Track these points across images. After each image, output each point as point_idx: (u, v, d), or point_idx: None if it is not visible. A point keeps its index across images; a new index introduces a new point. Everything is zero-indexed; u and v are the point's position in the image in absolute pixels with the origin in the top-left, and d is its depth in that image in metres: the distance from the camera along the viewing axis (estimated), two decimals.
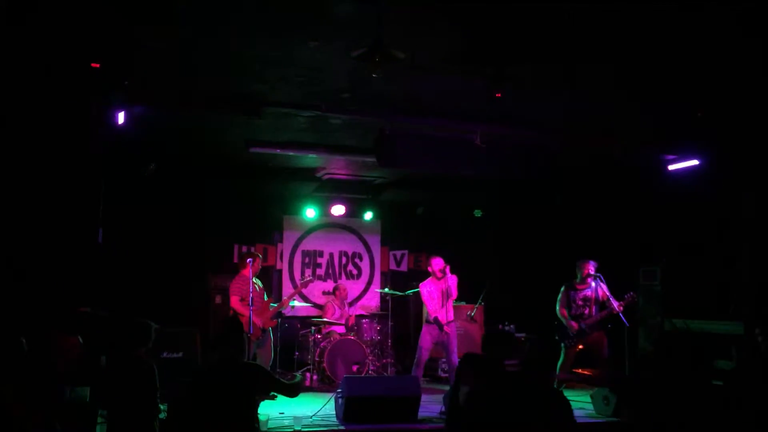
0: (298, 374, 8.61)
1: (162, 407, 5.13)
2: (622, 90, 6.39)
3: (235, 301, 8.24)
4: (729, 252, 8.60)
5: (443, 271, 8.56)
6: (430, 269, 8.83)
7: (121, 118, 6.36)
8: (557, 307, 8.44)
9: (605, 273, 8.29)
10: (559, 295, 8.46)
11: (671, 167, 8.46)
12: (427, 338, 8.57)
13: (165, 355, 7.86)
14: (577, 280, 8.40)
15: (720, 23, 4.87)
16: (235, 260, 10.53)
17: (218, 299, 9.90)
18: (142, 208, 9.53)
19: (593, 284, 8.31)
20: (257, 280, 8.39)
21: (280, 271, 11.13)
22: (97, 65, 5.43)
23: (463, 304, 10.01)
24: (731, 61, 5.56)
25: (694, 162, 8.21)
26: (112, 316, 6.06)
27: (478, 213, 10.99)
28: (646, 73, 5.94)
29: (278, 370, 9.30)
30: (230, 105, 6.79)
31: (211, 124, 7.73)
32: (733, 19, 4.80)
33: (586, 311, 8.29)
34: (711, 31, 5.01)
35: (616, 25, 4.91)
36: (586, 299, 8.32)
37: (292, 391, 5.15)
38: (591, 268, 8.31)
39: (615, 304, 8.05)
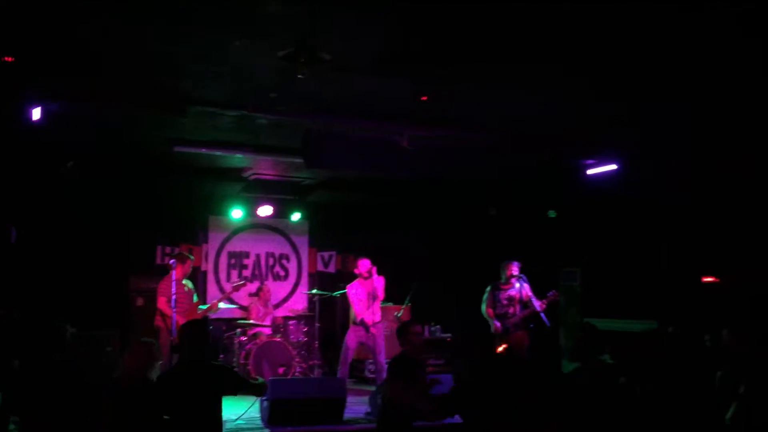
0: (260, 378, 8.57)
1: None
2: (545, 93, 6.54)
3: (162, 303, 8.06)
4: (645, 253, 8.96)
5: (369, 272, 8.64)
6: (356, 271, 8.88)
7: (36, 114, 6.11)
8: (483, 307, 8.60)
9: (528, 273, 8.50)
10: (485, 295, 8.62)
11: (590, 171, 8.72)
12: (352, 338, 8.62)
13: (82, 358, 7.62)
14: (502, 281, 8.58)
15: (640, 30, 5.05)
16: (158, 261, 10.32)
17: (140, 301, 9.65)
18: (61, 208, 9.19)
19: (517, 285, 8.50)
20: (188, 281, 8.23)
21: (205, 272, 10.93)
22: (10, 59, 5.21)
23: (390, 304, 10.07)
24: (650, 67, 5.77)
25: (613, 167, 8.49)
26: (25, 318, 5.84)
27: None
28: (569, 77, 6.10)
29: None
30: (153, 102, 6.62)
31: (134, 121, 7.52)
32: (651, 28, 4.99)
33: (510, 310, 8.48)
34: (631, 37, 5.19)
35: (540, 28, 5.02)
36: (510, 299, 8.50)
37: (259, 390, 5.15)
38: (514, 269, 8.50)
39: (537, 303, 8.26)
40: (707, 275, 9.04)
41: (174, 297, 7.77)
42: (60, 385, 4.78)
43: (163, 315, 7.99)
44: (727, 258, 8.54)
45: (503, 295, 8.53)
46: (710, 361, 6.08)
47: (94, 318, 8.40)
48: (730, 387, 5.77)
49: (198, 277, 10.85)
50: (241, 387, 4.93)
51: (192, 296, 8.41)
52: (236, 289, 9.20)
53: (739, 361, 5.90)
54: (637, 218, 9.13)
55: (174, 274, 8.00)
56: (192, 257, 8.60)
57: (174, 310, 7.75)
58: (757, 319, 6.51)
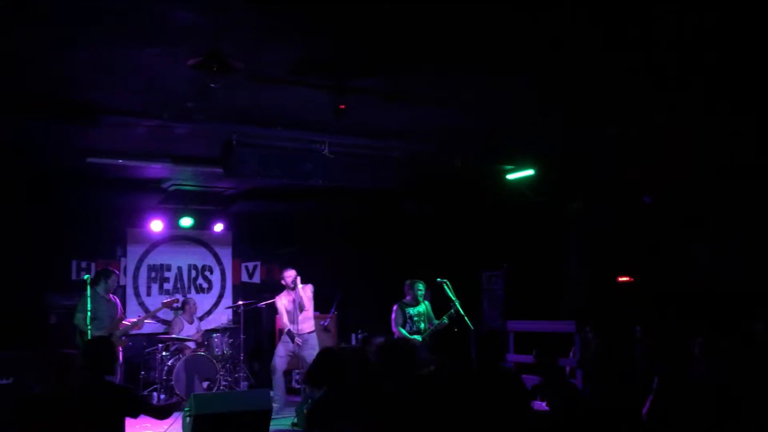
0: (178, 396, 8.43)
1: None
2: (468, 102, 6.65)
3: (80, 320, 7.78)
4: (561, 257, 9.23)
5: (295, 282, 8.59)
6: (283, 281, 8.81)
7: None
8: (393, 325, 8.48)
9: (451, 278, 8.58)
10: (393, 314, 8.51)
11: (509, 176, 8.91)
12: (281, 349, 8.59)
13: None
14: (411, 299, 8.52)
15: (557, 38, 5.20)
16: (74, 277, 9.96)
17: (53, 319, 9.28)
18: None
19: (424, 304, 8.53)
20: (103, 297, 7.96)
21: (124, 287, 10.60)
22: None
23: (317, 314, 10.01)
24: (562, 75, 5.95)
25: (530, 172, 8.70)
26: None
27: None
28: (486, 87, 6.23)
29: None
30: (63, 113, 6.39)
31: (43, 131, 7.24)
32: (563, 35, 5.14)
33: (421, 326, 8.43)
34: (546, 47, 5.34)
35: (454, 38, 5.10)
36: (419, 314, 8.49)
37: (161, 413, 4.99)
38: (419, 291, 8.47)
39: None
40: (622, 275, 9.38)
41: (98, 314, 7.55)
42: None
43: (82, 334, 7.72)
44: (640, 258, 8.88)
45: (413, 312, 8.47)
46: (631, 357, 6.30)
47: (6, 337, 8.03)
48: (646, 382, 6.00)
49: (117, 292, 10.53)
50: (143, 409, 4.81)
51: (116, 312, 8.13)
52: (168, 305, 8.95)
53: (652, 357, 6.14)
54: (554, 222, 9.38)
55: (98, 290, 7.80)
56: (116, 272, 8.32)
57: (100, 327, 7.54)
58: (666, 315, 6.80)
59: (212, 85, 4.61)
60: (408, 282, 8.56)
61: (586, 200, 9.02)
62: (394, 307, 8.48)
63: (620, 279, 9.33)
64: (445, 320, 8.23)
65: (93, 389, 4.48)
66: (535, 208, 9.35)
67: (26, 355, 7.79)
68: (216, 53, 4.43)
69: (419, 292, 8.46)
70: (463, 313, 8.27)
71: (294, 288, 8.63)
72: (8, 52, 5.18)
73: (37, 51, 5.19)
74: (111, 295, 8.03)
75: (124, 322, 8.23)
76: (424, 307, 8.51)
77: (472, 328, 8.37)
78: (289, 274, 8.72)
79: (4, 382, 7.40)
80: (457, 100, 6.51)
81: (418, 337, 8.21)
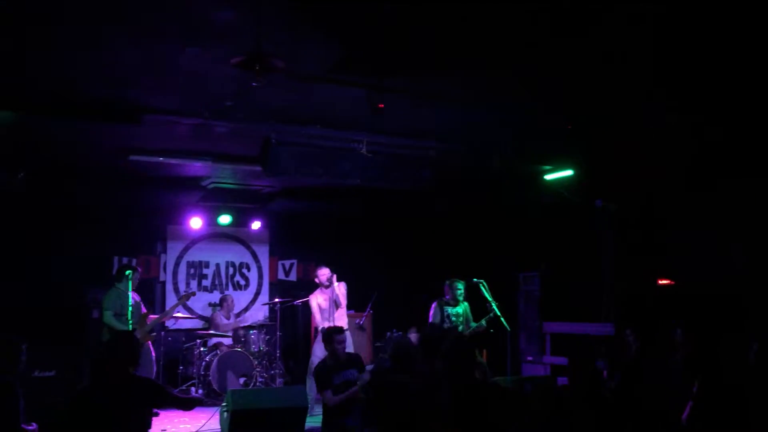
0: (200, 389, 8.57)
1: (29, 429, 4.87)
2: (503, 102, 6.62)
3: (109, 317, 7.91)
4: (599, 257, 9.11)
5: (330, 280, 8.60)
6: (317, 280, 8.84)
7: None
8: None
9: (488, 279, 8.54)
10: (431, 311, 8.54)
11: (547, 177, 8.84)
12: (317, 349, 8.57)
13: (36, 373, 7.45)
14: (450, 297, 8.51)
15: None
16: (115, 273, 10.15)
17: (96, 314, 9.46)
18: (12, 219, 9.00)
19: (464, 305, 8.50)
20: (131, 293, 8.07)
21: (164, 283, 10.78)
22: None
23: (351, 312, 10.05)
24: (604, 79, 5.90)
25: (569, 172, 8.62)
26: None
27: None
28: (524, 87, 6.20)
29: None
30: (107, 111, 6.52)
31: (88, 130, 7.40)
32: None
33: (459, 328, 8.42)
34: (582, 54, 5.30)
35: (496, 39, 5.09)
36: (457, 315, 8.48)
37: (186, 404, 5.06)
38: (459, 291, 8.45)
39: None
40: (662, 278, 9.22)
41: (131, 309, 7.66)
42: (5, 404, 4.67)
43: (112, 330, 7.86)
44: (681, 261, 8.72)
45: (452, 311, 8.47)
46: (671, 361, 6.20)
47: (50, 331, 8.22)
48: (686, 386, 5.91)
49: (156, 288, 10.72)
50: (167, 400, 4.87)
51: (139, 308, 8.26)
52: (186, 298, 9.09)
53: (692, 361, 6.03)
54: (592, 222, 9.27)
55: (124, 285, 7.91)
56: (139, 269, 8.42)
57: (130, 322, 7.65)
58: (708, 320, 6.67)
59: (254, 84, 4.65)
60: (448, 282, 8.55)
61: (624, 200, 8.89)
62: (433, 305, 8.50)
63: (660, 281, 9.18)
64: (483, 323, 8.20)
65: (117, 382, 4.55)
66: (573, 208, 9.26)
67: (68, 348, 7.97)
68: (258, 52, 4.47)
69: (458, 292, 8.43)
70: (499, 314, 8.23)
71: (329, 286, 8.65)
72: (53, 53, 5.31)
73: (82, 51, 5.31)
74: (132, 293, 8.10)
75: (150, 316, 8.37)
76: (462, 308, 8.49)
77: (509, 329, 8.33)
78: (324, 272, 8.74)
79: (47, 374, 7.58)
80: (496, 99, 6.49)
81: None
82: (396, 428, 4.85)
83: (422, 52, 5.31)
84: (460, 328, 8.33)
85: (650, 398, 5.94)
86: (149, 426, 4.65)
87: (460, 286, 8.46)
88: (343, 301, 8.80)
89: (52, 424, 5.85)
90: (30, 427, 4.99)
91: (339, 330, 6.70)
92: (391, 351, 5.69)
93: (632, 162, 7.92)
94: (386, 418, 4.95)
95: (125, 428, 4.41)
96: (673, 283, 9.12)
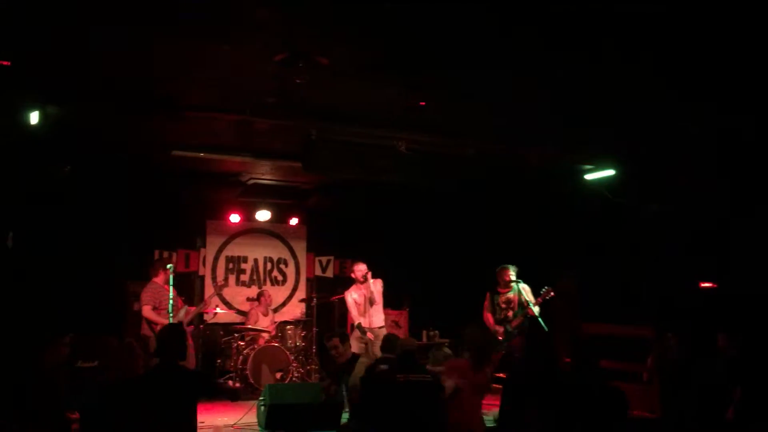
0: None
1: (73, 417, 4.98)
2: (544, 101, 6.57)
3: (147, 311, 8.01)
4: (638, 259, 8.97)
5: (365, 277, 8.60)
6: (353, 275, 8.87)
7: (34, 117, 6.13)
8: (484, 314, 8.55)
9: (525, 278, 8.48)
10: (485, 301, 8.58)
11: (588, 176, 8.74)
12: (353, 345, 8.57)
13: (80, 363, 7.61)
14: (500, 285, 8.53)
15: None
16: None
17: (137, 306, 9.61)
18: (57, 212, 9.18)
19: (515, 287, 8.46)
20: (170, 286, 8.17)
21: (203, 277, 10.91)
22: (8, 63, 5.21)
23: (387, 309, 10.05)
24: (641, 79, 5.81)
25: (610, 171, 8.50)
26: (21, 321, 5.84)
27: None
28: (567, 85, 6.13)
29: None
30: (151, 107, 6.63)
31: (131, 125, 7.53)
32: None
33: (510, 314, 8.44)
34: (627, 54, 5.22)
35: (535, 39, 5.04)
36: (508, 302, 8.46)
37: (232, 394, 5.14)
38: (510, 274, 8.45)
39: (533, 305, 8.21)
40: (705, 280, 9.05)
41: (171, 302, 7.77)
42: (50, 391, 4.78)
43: (150, 323, 7.97)
44: (724, 263, 8.55)
45: (501, 299, 8.50)
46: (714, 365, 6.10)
47: (92, 322, 8.37)
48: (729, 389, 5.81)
49: (195, 281, 10.86)
50: (215, 390, 4.95)
51: (177, 301, 8.36)
52: (219, 289, 9.18)
53: (736, 365, 5.92)
54: (634, 223, 9.13)
55: (160, 279, 8.02)
56: (169, 265, 8.51)
57: (165, 316, 7.77)
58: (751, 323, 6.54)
59: (297, 81, 4.69)
60: (497, 268, 8.53)
61: (667, 201, 8.73)
62: (487, 294, 8.51)
63: (702, 284, 9.01)
64: (524, 323, 8.18)
65: (166, 374, 4.62)
66: (613, 209, 9.13)
67: (110, 339, 8.11)
68: (302, 49, 4.50)
69: (506, 278, 8.39)
70: (538, 315, 8.17)
71: (364, 282, 8.67)
72: (100, 50, 5.40)
73: (126, 47, 5.40)
74: (166, 286, 8.19)
75: (188, 308, 8.47)
76: (513, 292, 8.42)
77: (547, 329, 8.25)
78: (360, 268, 8.75)
79: (90, 365, 7.73)
80: (536, 97, 6.43)
81: (505, 326, 8.20)
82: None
83: (462, 49, 5.29)
84: (513, 314, 8.31)
85: (692, 402, 5.85)
86: (195, 416, 4.72)
87: (506, 271, 8.41)
88: (379, 298, 8.81)
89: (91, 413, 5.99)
90: (74, 416, 5.11)
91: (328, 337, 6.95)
92: (398, 351, 5.75)
93: (679, 162, 7.79)
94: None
95: (171, 419, 4.48)
96: (715, 286, 8.95)
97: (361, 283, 8.70)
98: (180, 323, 7.63)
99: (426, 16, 4.55)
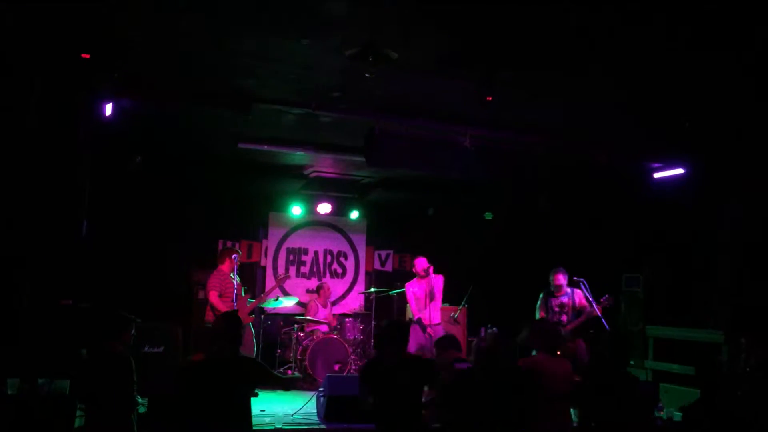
0: (297, 372, 8.70)
1: (141, 401, 5.11)
2: (613, 98, 6.43)
3: (214, 297, 8.16)
4: (710, 261, 8.68)
5: (426, 271, 8.55)
6: (414, 269, 8.83)
7: (108, 110, 6.30)
8: (536, 314, 8.41)
9: (589, 278, 8.29)
10: (538, 302, 8.42)
11: (656, 175, 8.51)
12: (411, 339, 8.53)
13: (146, 349, 7.80)
14: (553, 288, 8.33)
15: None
16: None
17: (201, 294, 9.82)
18: (127, 201, 9.43)
19: (569, 291, 8.28)
20: (235, 275, 8.30)
21: (264, 267, 11.08)
22: (87, 56, 5.38)
23: (446, 305, 10.00)
24: (719, 76, 5.62)
25: (680, 171, 8.26)
26: (93, 308, 6.01)
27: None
28: (637, 83, 5.98)
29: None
30: (219, 100, 6.75)
31: (199, 118, 7.68)
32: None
33: (564, 318, 8.24)
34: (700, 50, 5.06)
35: (606, 36, 4.93)
36: (562, 306, 8.27)
37: (287, 384, 5.19)
38: (561, 278, 8.24)
39: (596, 308, 8.03)
40: None
41: (235, 291, 7.90)
42: (122, 374, 4.91)
43: (215, 309, 8.10)
44: None
45: (555, 303, 8.30)
46: None
47: (158, 309, 8.57)
48: None
49: (257, 272, 11.03)
50: (270, 379, 4.99)
51: (241, 290, 8.49)
52: (281, 281, 9.26)
53: None
54: (701, 224, 8.83)
55: (226, 267, 8.13)
56: (239, 252, 8.60)
57: (234, 304, 7.88)
58: None
59: (366, 75, 4.69)
60: (552, 270, 8.36)
61: (740, 201, 8.42)
62: (540, 294, 8.37)
63: None
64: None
65: (225, 360, 4.70)
66: (682, 208, 8.86)
67: (175, 326, 8.30)
68: (372, 43, 4.50)
69: (556, 281, 8.20)
70: (600, 314, 7.99)
71: (425, 276, 8.62)
72: (171, 42, 5.51)
73: (198, 41, 5.50)
74: (234, 274, 8.28)
75: (249, 300, 8.58)
76: (567, 296, 8.25)
77: (608, 329, 8.07)
78: (420, 262, 8.70)
79: (156, 350, 7.92)
80: (606, 96, 6.30)
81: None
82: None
83: (531, 46, 5.21)
84: (566, 318, 8.12)
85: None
86: (249, 403, 4.79)
87: (557, 275, 8.23)
88: (438, 294, 8.75)
89: (162, 394, 6.15)
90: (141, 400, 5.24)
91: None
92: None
93: (757, 162, 7.51)
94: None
95: (227, 403, 4.55)
96: None
97: (422, 277, 8.65)
98: (236, 310, 7.74)
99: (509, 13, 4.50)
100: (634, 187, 8.98)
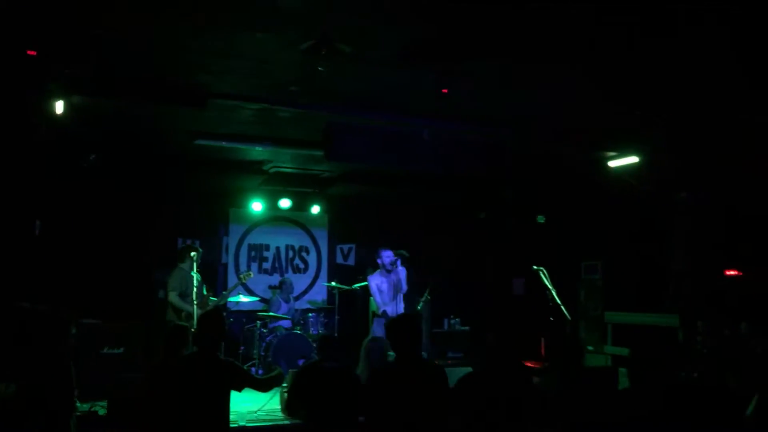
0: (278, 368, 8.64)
1: (83, 405, 5.00)
2: (568, 88, 6.50)
3: (174, 296, 8.06)
4: (666, 247, 8.86)
5: (394, 264, 8.52)
6: (379, 261, 8.75)
7: (59, 107, 6.17)
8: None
9: (548, 267, 8.39)
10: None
11: (612, 164, 8.64)
12: (377, 331, 8.53)
13: (106, 350, 7.70)
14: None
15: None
16: None
17: (161, 293, 9.71)
18: (83, 201, 9.27)
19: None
20: (196, 273, 8.21)
21: (226, 265, 10.99)
22: (34, 53, 5.25)
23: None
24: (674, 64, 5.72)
25: (635, 159, 8.41)
26: (31, 310, 5.86)
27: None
28: (592, 72, 6.06)
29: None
30: (174, 96, 6.65)
31: (154, 115, 7.57)
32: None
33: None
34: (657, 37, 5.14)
35: (565, 26, 4.98)
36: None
37: (264, 385, 5.15)
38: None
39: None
40: (730, 269, 8.94)
41: (195, 290, 7.82)
42: (60, 378, 4.80)
43: (176, 309, 8.02)
44: (750, 252, 8.43)
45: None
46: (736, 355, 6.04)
47: (118, 310, 8.45)
48: (751, 380, 5.73)
49: (219, 269, 10.93)
50: (248, 381, 4.94)
51: (202, 288, 8.41)
52: (243, 279, 9.20)
53: (758, 355, 5.85)
54: (657, 212, 9.02)
55: (187, 265, 8.05)
56: (200, 249, 8.50)
57: (189, 303, 7.82)
58: None
59: (320, 68, 4.67)
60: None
61: (695, 190, 8.62)
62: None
63: (728, 272, 8.90)
64: None
65: (205, 362, 4.65)
66: (638, 197, 9.03)
67: (135, 327, 8.19)
68: (326, 37, 4.48)
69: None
70: (559, 302, 8.11)
71: (391, 270, 8.57)
72: (123, 38, 5.42)
73: (150, 37, 5.41)
74: (195, 273, 8.20)
75: (211, 299, 8.51)
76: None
77: (569, 318, 8.20)
78: (387, 254, 8.55)
79: (116, 351, 7.81)
80: (561, 85, 6.37)
81: None
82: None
83: (491, 38, 5.24)
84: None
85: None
86: (228, 406, 4.75)
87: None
88: (405, 286, 8.70)
89: (125, 398, 6.04)
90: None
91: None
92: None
93: (708, 150, 7.68)
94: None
95: (203, 408, 4.51)
96: (741, 274, 8.83)
97: (388, 271, 8.58)
98: (220, 309, 7.66)
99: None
100: (591, 175, 9.11)
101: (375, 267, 8.90)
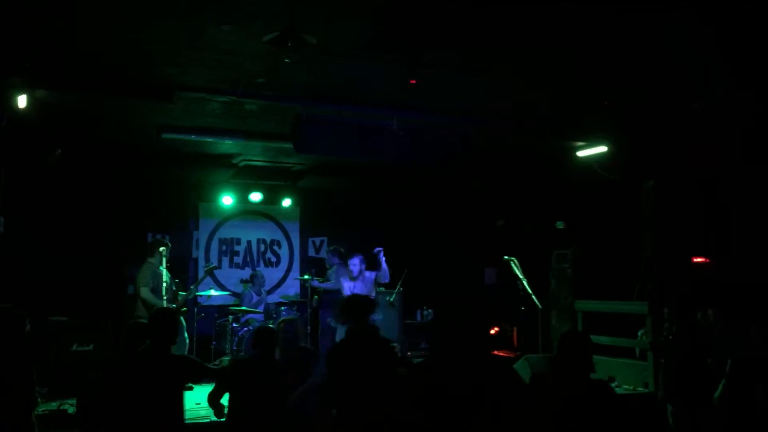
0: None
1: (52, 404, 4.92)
2: (536, 79, 6.54)
3: (144, 291, 7.97)
4: (634, 236, 8.98)
5: (361, 272, 8.24)
6: (348, 269, 8.45)
7: (22, 101, 6.06)
8: None
9: (520, 257, 8.45)
10: None
11: (580, 153, 8.72)
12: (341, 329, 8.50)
13: (75, 347, 7.61)
14: None
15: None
16: None
17: (130, 289, 9.61)
18: (50, 196, 9.13)
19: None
20: (164, 268, 8.12)
21: (196, 259, 10.90)
22: None
23: (381, 290, 10.04)
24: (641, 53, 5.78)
25: (602, 149, 8.49)
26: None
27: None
28: (560, 63, 6.10)
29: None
30: (139, 89, 6.57)
31: (120, 108, 7.47)
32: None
33: None
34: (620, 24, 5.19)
35: (531, 16, 5.01)
36: None
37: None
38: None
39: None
40: (698, 256, 9.07)
41: (164, 285, 7.76)
42: (21, 375, 4.74)
43: (146, 304, 7.92)
44: (718, 239, 8.57)
45: None
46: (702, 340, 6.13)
47: (88, 306, 8.35)
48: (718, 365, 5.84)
49: (189, 264, 10.84)
50: (205, 374, 4.92)
51: (171, 284, 8.33)
52: (209, 271, 9.12)
53: (726, 341, 5.95)
54: (626, 200, 9.13)
55: (156, 260, 7.97)
56: (169, 244, 8.38)
57: (164, 297, 7.74)
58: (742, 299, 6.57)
59: (286, 60, 4.64)
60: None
61: (661, 178, 8.73)
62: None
63: (695, 260, 9.04)
64: None
65: (155, 358, 4.61)
66: (606, 186, 9.12)
67: (105, 323, 8.10)
68: (291, 28, 4.45)
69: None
70: (530, 291, 8.19)
71: (358, 277, 8.30)
72: (86, 30, 5.33)
73: (115, 28, 5.33)
74: (163, 268, 8.12)
75: (181, 294, 8.44)
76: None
77: (540, 306, 8.29)
78: (354, 263, 8.13)
79: (85, 348, 7.72)
80: (529, 74, 6.40)
81: None
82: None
83: (456, 27, 5.25)
84: None
85: (683, 378, 5.89)
86: (182, 402, 4.71)
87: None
88: (373, 287, 8.45)
89: (95, 396, 5.97)
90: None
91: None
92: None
93: (675, 137, 7.77)
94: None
95: (156, 404, 4.47)
96: (709, 261, 8.97)
97: (354, 278, 8.33)
98: (173, 308, 7.60)
99: None
100: (560, 165, 9.18)
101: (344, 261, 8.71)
